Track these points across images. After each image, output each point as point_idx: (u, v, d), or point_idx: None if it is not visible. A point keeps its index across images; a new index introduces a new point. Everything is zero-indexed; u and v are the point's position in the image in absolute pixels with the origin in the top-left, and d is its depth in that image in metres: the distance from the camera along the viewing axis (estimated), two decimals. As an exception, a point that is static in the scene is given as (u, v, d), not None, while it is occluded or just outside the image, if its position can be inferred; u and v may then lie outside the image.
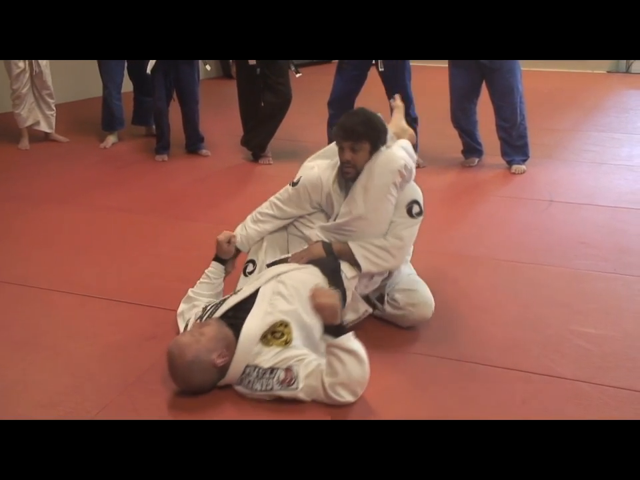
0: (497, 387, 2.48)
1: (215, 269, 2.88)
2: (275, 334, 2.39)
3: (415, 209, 2.77)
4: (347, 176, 2.76)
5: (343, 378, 2.28)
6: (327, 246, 2.77)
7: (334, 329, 2.32)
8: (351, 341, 2.31)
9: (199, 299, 2.79)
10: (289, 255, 2.83)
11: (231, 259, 2.94)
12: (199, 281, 2.87)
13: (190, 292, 2.83)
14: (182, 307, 2.81)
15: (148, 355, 2.65)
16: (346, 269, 2.73)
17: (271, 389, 2.31)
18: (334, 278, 2.67)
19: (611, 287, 3.27)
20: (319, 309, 2.32)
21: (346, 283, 2.70)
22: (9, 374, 2.53)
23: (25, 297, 3.15)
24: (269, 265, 2.81)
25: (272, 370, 2.32)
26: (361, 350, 2.32)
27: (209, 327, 2.39)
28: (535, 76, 8.65)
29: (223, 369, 2.35)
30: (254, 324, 2.41)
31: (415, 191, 2.81)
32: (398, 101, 3.38)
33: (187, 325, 2.63)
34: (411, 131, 3.25)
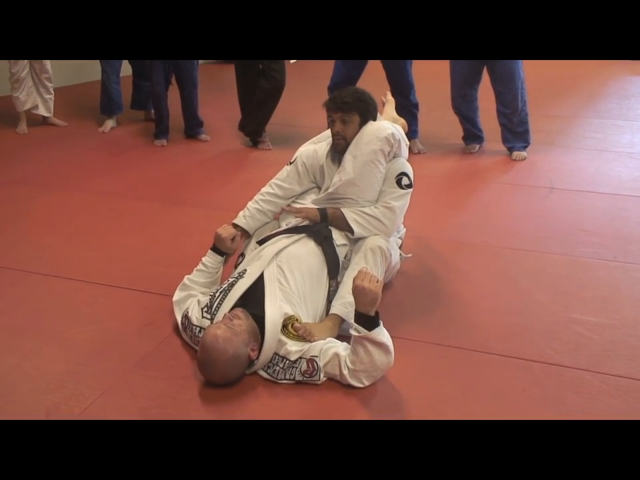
0: (497, 374, 2.47)
1: (212, 259, 2.81)
2: (293, 326, 2.42)
3: (405, 180, 2.85)
4: (338, 147, 2.88)
5: (367, 367, 2.31)
6: (321, 210, 2.82)
7: (367, 320, 2.28)
8: (381, 334, 2.30)
9: (194, 287, 2.76)
10: (280, 228, 2.87)
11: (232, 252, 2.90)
12: (195, 269, 2.82)
13: (186, 279, 2.79)
14: (178, 294, 2.76)
15: (146, 341, 2.64)
16: (336, 237, 2.80)
17: (294, 378, 2.36)
18: (326, 245, 2.74)
19: (612, 275, 3.25)
20: (360, 292, 2.26)
21: (337, 250, 2.77)
22: (7, 360, 2.52)
23: (24, 282, 3.14)
24: (260, 242, 2.81)
25: (296, 360, 2.36)
26: (389, 341, 2.33)
27: (239, 319, 2.37)
28: (536, 62, 8.59)
29: (254, 360, 2.38)
30: (275, 313, 2.42)
31: (404, 165, 2.90)
32: (389, 96, 3.56)
33: (186, 315, 2.59)
34: (402, 120, 3.37)
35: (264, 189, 3.03)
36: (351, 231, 2.79)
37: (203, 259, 2.83)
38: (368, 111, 2.87)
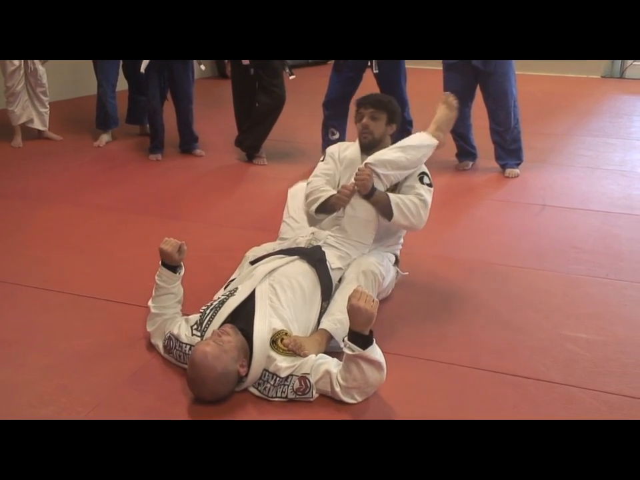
0: (487, 390, 2.48)
1: (167, 277, 2.65)
2: (282, 341, 2.41)
3: (426, 179, 3.03)
4: (364, 141, 3.09)
5: (360, 384, 2.32)
6: (371, 191, 2.89)
7: (361, 339, 2.27)
8: (374, 352, 2.30)
9: (164, 312, 2.65)
10: (273, 249, 2.91)
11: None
12: (155, 295, 2.67)
13: (153, 309, 2.66)
14: (151, 324, 2.67)
15: (139, 355, 2.64)
16: (331, 260, 2.82)
17: (286, 396, 2.35)
18: (320, 268, 2.75)
19: (603, 292, 3.27)
20: (355, 311, 2.25)
21: (331, 274, 2.78)
22: (-1, 373, 2.53)
23: (17, 295, 3.14)
24: (252, 262, 2.82)
25: (287, 377, 2.35)
26: (382, 358, 2.33)
27: (228, 335, 2.36)
28: (529, 80, 8.67)
29: (243, 377, 2.37)
30: (263, 329, 2.41)
31: (423, 166, 3.08)
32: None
33: (170, 336, 2.55)
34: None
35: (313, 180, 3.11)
36: (390, 215, 2.89)
37: (157, 280, 2.66)
38: (395, 114, 3.11)
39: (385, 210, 2.90)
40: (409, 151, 2.98)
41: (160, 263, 2.67)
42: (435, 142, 3.07)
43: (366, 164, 2.92)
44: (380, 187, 2.92)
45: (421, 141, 3.06)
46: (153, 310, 2.67)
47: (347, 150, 3.16)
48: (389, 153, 2.96)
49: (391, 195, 2.92)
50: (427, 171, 3.06)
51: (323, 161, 3.20)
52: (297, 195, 3.26)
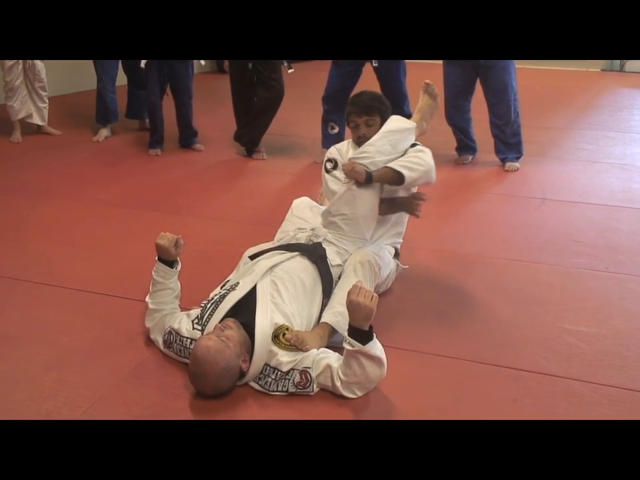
0: (488, 384, 2.48)
1: (164, 272, 2.63)
2: (284, 336, 2.41)
3: (417, 147, 2.99)
4: None
5: (360, 379, 2.31)
6: (367, 174, 2.87)
7: (361, 334, 2.25)
8: (375, 347, 2.28)
9: (163, 307, 2.64)
10: (273, 245, 2.92)
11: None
12: (153, 290, 2.65)
13: (151, 304, 2.64)
14: (150, 319, 2.66)
15: (139, 350, 2.64)
16: (332, 257, 2.83)
17: (287, 390, 2.35)
18: (321, 264, 2.75)
19: (604, 285, 3.27)
20: (355, 307, 2.23)
21: (332, 270, 2.79)
22: (-1, 368, 2.52)
23: (16, 290, 3.13)
24: (252, 257, 2.82)
25: (288, 371, 2.35)
26: (382, 353, 2.31)
27: (231, 330, 2.35)
28: (529, 73, 8.67)
29: (245, 372, 2.37)
30: (265, 324, 2.41)
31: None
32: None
33: (171, 330, 2.54)
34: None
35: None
36: (401, 179, 2.86)
37: (154, 276, 2.64)
38: (386, 111, 3.07)
39: (392, 178, 2.88)
40: (391, 136, 2.97)
41: (156, 258, 2.66)
42: (413, 124, 3.09)
43: (350, 159, 2.92)
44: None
45: (399, 125, 3.03)
46: (150, 306, 2.66)
47: (347, 153, 3.10)
48: (372, 143, 2.94)
49: (391, 163, 2.89)
50: (417, 142, 3.05)
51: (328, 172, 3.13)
52: (300, 204, 3.25)
